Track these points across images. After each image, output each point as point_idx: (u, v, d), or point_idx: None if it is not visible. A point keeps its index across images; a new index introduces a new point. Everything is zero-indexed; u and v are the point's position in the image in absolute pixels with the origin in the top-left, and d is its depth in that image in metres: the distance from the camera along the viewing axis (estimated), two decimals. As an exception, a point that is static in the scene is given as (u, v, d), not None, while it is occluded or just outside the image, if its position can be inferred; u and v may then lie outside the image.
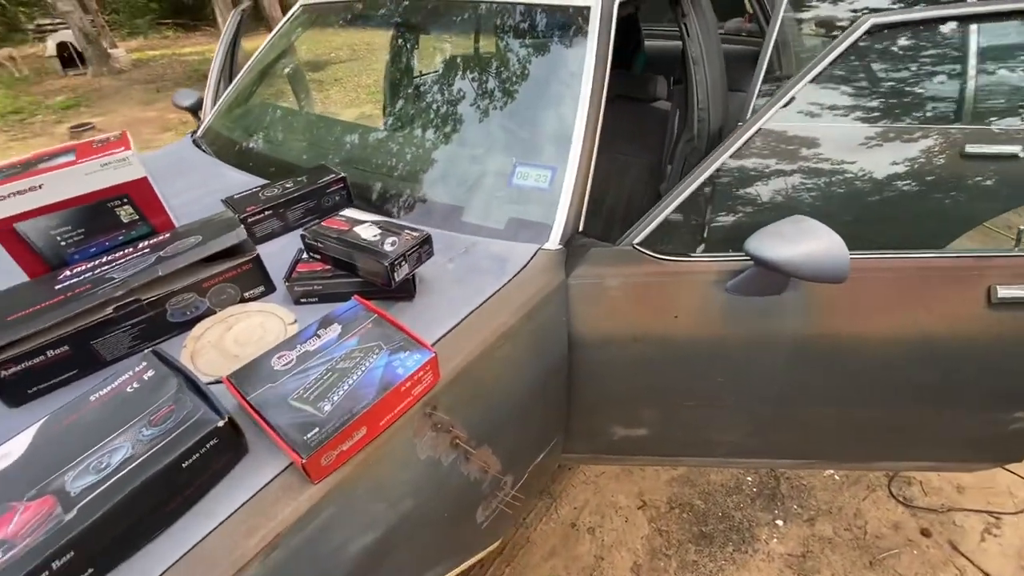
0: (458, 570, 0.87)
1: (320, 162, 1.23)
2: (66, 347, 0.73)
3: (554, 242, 0.99)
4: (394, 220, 0.91)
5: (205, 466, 0.61)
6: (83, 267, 0.84)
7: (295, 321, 0.83)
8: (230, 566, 0.56)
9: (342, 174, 1.11)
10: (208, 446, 0.60)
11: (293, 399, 0.66)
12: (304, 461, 0.60)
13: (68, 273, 0.82)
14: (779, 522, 1.47)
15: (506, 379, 0.88)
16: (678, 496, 1.54)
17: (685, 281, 0.97)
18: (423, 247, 0.85)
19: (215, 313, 0.85)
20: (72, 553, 0.51)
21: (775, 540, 1.43)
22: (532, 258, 0.96)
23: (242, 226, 0.84)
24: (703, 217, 1.08)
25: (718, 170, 0.98)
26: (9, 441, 0.60)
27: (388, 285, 0.82)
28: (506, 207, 1.07)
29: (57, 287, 0.79)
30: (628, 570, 1.37)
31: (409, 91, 1.83)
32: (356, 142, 1.42)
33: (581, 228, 1.03)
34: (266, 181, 1.22)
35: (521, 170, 1.09)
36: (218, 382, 0.74)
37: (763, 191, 1.12)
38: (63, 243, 0.85)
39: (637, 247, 0.97)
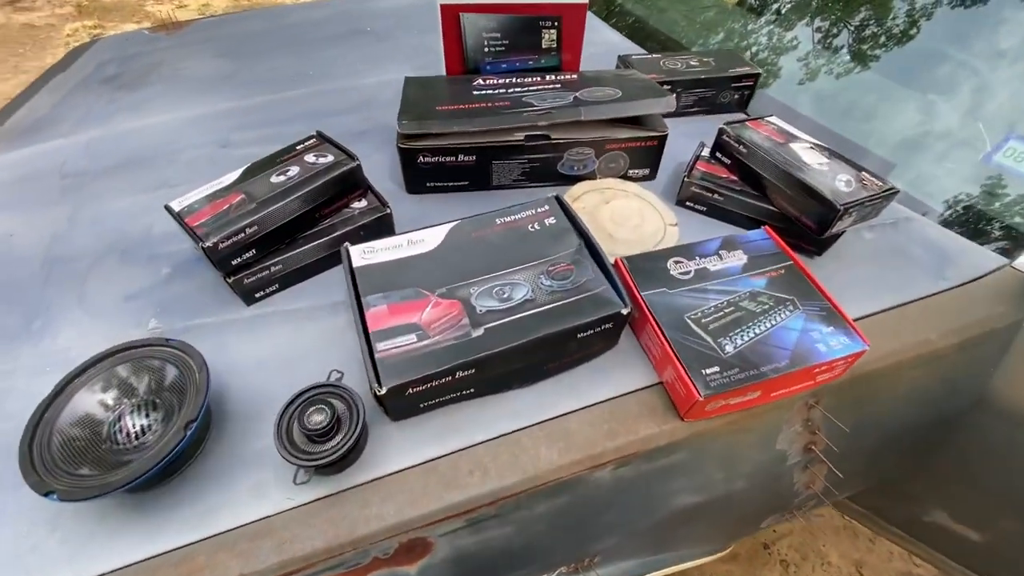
0: (711, 558, 0.78)
1: (717, 46, 1.03)
2: (473, 157, 0.72)
3: (1032, 264, 0.69)
4: (838, 152, 0.70)
5: (591, 343, 0.55)
6: (494, 81, 0.81)
7: (676, 224, 0.72)
8: (587, 459, 0.51)
9: (757, 69, 0.91)
10: (603, 327, 0.54)
11: (690, 317, 0.56)
12: (700, 399, 0.50)
13: (481, 82, 0.80)
14: None
15: (894, 407, 0.68)
16: (909, 596, 1.25)
17: None
18: (883, 203, 0.65)
19: (596, 179, 0.77)
20: (473, 370, 0.50)
21: None
22: (991, 272, 0.69)
23: (673, 96, 0.71)
24: None
25: None
26: (427, 230, 0.61)
27: (816, 232, 0.64)
28: (964, 186, 0.78)
29: (474, 92, 0.77)
30: (816, 632, 1.18)
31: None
32: (758, 39, 1.17)
33: (1082, 262, 0.70)
34: (641, 50, 1.08)
35: (1015, 146, 0.77)
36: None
37: None
38: (486, 48, 0.83)
39: None
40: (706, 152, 0.77)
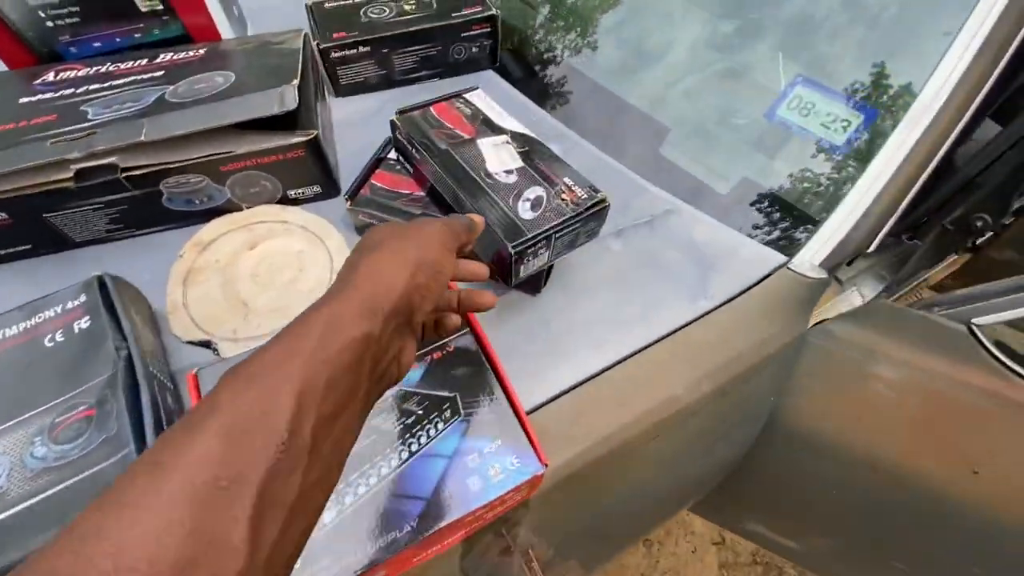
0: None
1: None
2: (4, 215, 0.46)
3: (813, 261, 0.53)
4: (542, 146, 0.49)
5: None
6: (73, 73, 0.53)
7: (346, 270, 0.50)
8: None
9: (492, 10, 0.66)
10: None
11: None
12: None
13: (51, 77, 0.53)
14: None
15: (645, 480, 0.53)
16: (768, 555, 1.23)
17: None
18: (586, 225, 0.45)
19: (241, 210, 0.54)
20: None
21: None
22: (764, 279, 0.53)
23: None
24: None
25: None
26: None
27: (504, 280, 0.44)
28: (744, 156, 0.60)
29: (21, 100, 0.50)
30: (676, 611, 1.14)
31: None
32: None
33: (872, 249, 0.55)
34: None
35: (803, 92, 0.58)
36: (206, 345, 0.46)
37: None
38: (49, 23, 0.54)
39: (976, 330, 0.50)
40: (394, 153, 0.55)
